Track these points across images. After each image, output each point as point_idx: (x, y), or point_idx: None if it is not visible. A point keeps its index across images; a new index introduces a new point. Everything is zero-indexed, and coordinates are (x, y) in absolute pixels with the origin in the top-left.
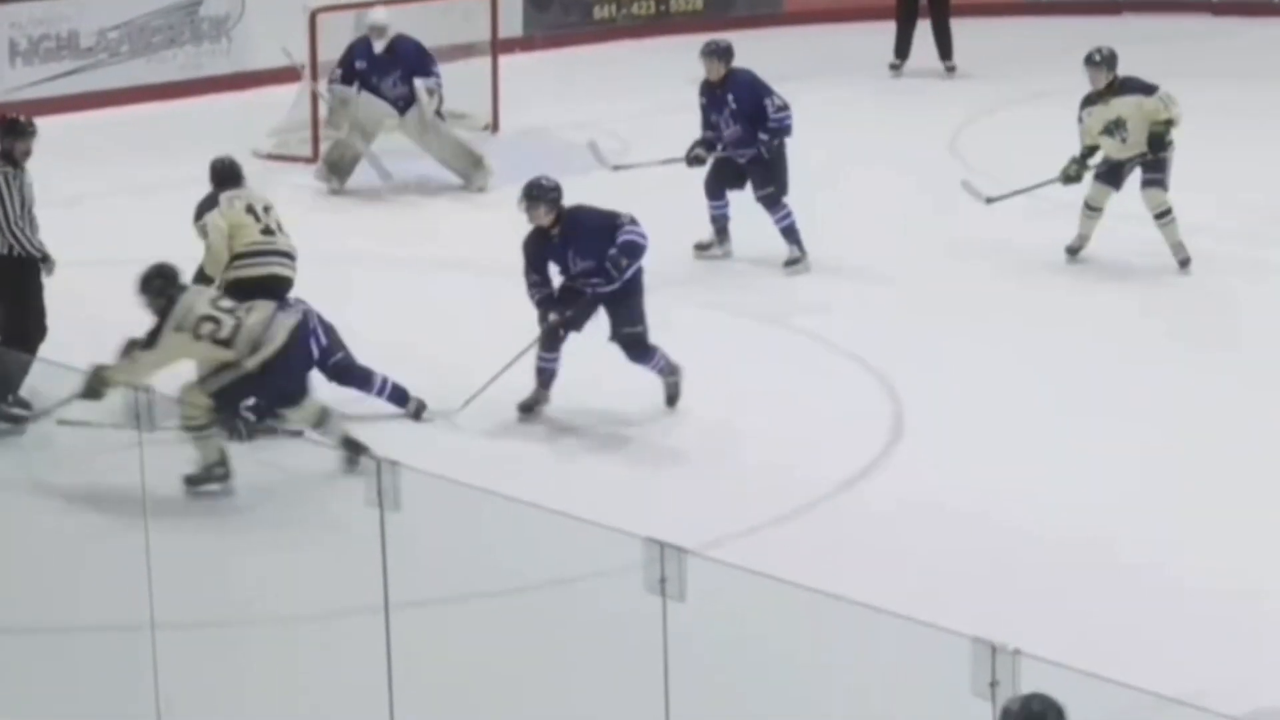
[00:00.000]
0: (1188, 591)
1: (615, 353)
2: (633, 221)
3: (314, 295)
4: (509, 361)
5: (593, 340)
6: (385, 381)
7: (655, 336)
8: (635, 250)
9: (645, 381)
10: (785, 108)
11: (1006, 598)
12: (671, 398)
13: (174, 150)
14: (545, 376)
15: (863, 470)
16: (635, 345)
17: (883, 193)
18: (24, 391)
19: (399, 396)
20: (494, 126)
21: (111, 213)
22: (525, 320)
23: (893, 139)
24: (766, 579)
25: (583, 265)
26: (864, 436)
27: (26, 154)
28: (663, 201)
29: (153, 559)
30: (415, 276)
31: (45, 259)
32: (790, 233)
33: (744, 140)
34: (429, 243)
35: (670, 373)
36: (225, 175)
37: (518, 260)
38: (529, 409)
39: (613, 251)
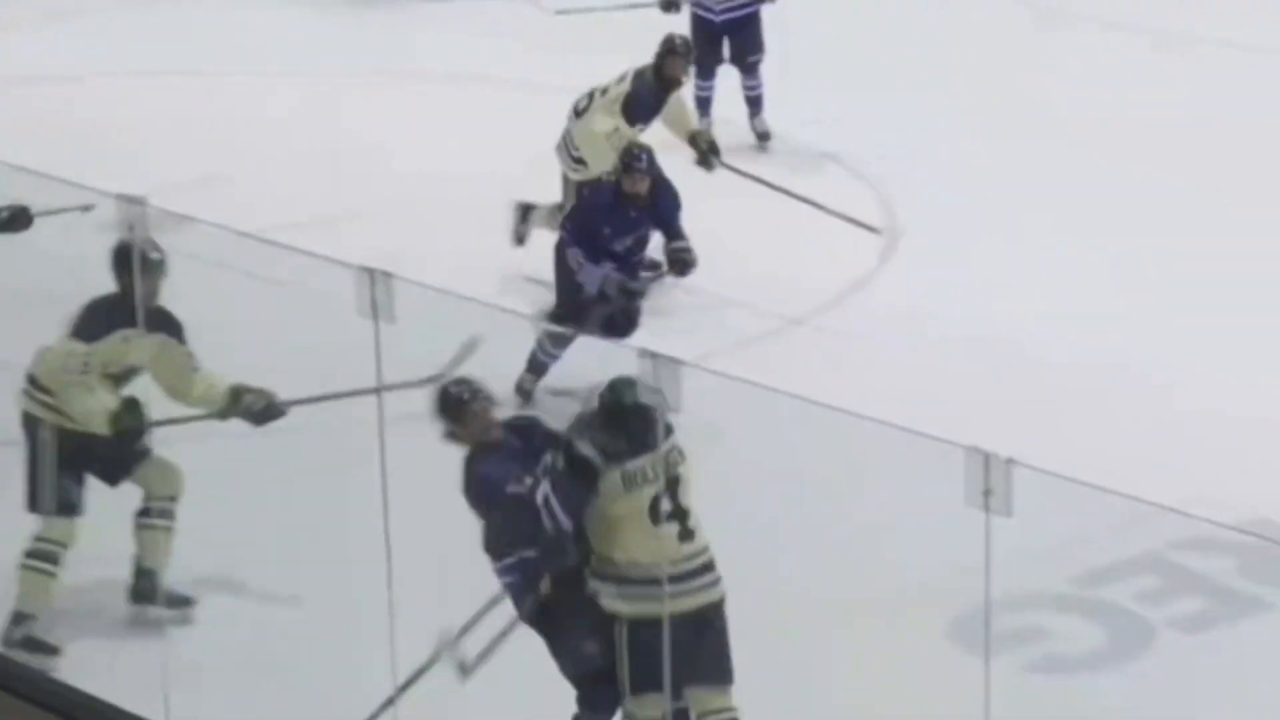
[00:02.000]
0: (1184, 412)
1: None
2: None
3: None
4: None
5: None
6: None
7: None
8: None
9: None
10: None
11: (999, 414)
12: None
13: None
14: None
15: (854, 284)
16: None
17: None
18: None
19: None
20: None
21: None
22: None
23: None
24: (760, 388)
25: None
26: (857, 250)
27: None
28: None
29: None
30: None
31: None
32: (759, 102)
33: None
34: None
35: None
36: None
37: None
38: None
39: None
